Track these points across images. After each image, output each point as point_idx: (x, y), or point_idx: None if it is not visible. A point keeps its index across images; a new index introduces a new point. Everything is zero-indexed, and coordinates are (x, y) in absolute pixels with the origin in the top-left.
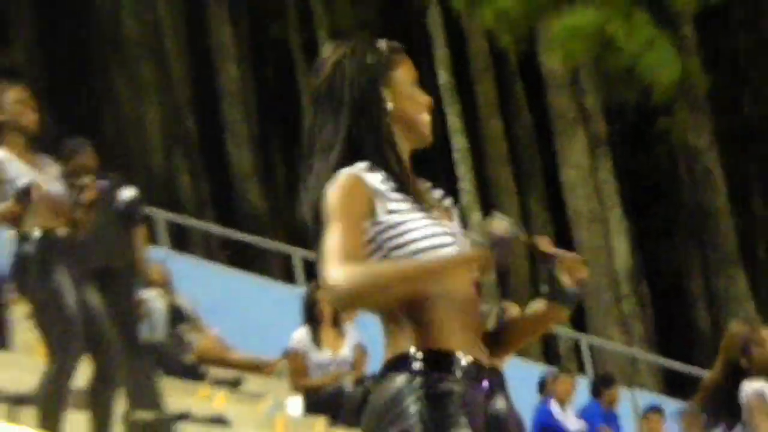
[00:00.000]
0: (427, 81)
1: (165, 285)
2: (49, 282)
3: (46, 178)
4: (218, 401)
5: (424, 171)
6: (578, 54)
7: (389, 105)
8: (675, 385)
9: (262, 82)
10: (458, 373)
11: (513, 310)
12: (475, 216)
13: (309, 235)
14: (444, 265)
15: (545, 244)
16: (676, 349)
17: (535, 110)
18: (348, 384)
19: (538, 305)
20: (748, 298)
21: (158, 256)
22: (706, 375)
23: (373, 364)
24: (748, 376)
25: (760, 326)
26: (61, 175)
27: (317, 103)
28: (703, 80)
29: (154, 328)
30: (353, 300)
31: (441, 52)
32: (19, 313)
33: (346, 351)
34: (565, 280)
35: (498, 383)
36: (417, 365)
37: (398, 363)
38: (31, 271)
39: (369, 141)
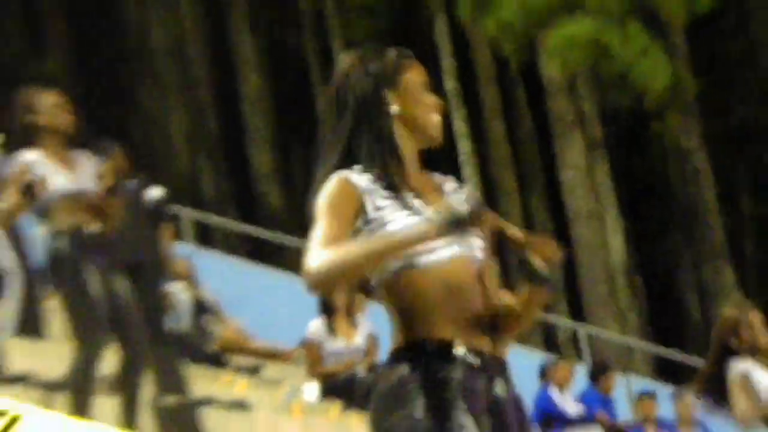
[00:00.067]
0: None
1: (189, 278)
2: (77, 276)
3: (77, 176)
4: (239, 387)
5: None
6: (576, 62)
7: (395, 108)
8: (667, 371)
9: (280, 88)
10: (457, 362)
11: (506, 296)
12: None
13: None
14: (402, 240)
15: (513, 229)
16: (667, 338)
17: (535, 115)
18: (361, 371)
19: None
20: (735, 290)
21: (183, 251)
22: (697, 361)
23: (384, 353)
24: (738, 355)
25: (750, 310)
26: (97, 170)
27: (329, 109)
28: (693, 86)
29: (179, 319)
30: (325, 282)
31: (447, 61)
32: (54, 305)
33: (359, 340)
34: (537, 262)
35: (498, 369)
36: (418, 355)
37: (401, 353)
38: (62, 266)
39: (367, 143)
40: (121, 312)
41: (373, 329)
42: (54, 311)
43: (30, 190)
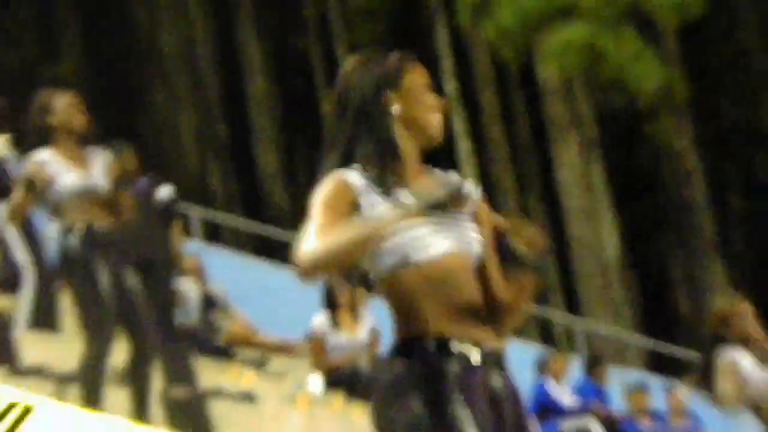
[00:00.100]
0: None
1: (198, 274)
2: (88, 273)
3: (89, 174)
4: (246, 379)
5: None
6: (572, 65)
7: (396, 108)
8: (659, 363)
9: (285, 91)
10: (454, 356)
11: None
12: None
13: None
14: (384, 223)
15: (497, 217)
16: (660, 331)
17: (533, 116)
18: (364, 364)
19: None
20: (724, 284)
21: (192, 248)
22: (688, 354)
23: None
24: (729, 343)
25: (740, 302)
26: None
27: (333, 110)
28: (684, 89)
29: (188, 314)
30: (313, 270)
31: (447, 64)
32: (67, 300)
33: (362, 334)
34: (521, 248)
35: (495, 362)
36: (416, 350)
37: (400, 348)
38: (73, 264)
39: (366, 142)
40: (132, 306)
41: (375, 323)
42: (67, 305)
43: (32, 187)
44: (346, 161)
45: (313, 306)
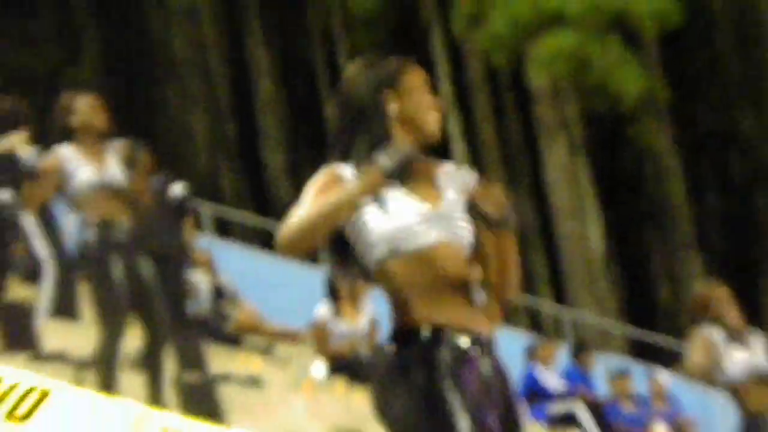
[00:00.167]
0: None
1: (209, 267)
2: (103, 265)
3: (106, 169)
4: (254, 365)
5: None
6: (560, 71)
7: (393, 107)
8: (641, 350)
9: (291, 94)
10: (445, 344)
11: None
12: None
13: None
14: (347, 194)
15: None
16: (641, 320)
17: (523, 119)
18: (364, 351)
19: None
20: (701, 276)
21: (203, 242)
22: (668, 341)
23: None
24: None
25: (718, 287)
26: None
27: (335, 111)
28: (664, 94)
29: (200, 304)
30: (290, 245)
31: (443, 70)
32: (86, 290)
33: (362, 323)
34: (488, 207)
35: (485, 348)
36: (410, 339)
37: (396, 336)
38: (89, 258)
39: (362, 140)
40: (146, 296)
41: (375, 313)
42: (86, 295)
43: (50, 177)
44: (345, 159)
45: (316, 296)
